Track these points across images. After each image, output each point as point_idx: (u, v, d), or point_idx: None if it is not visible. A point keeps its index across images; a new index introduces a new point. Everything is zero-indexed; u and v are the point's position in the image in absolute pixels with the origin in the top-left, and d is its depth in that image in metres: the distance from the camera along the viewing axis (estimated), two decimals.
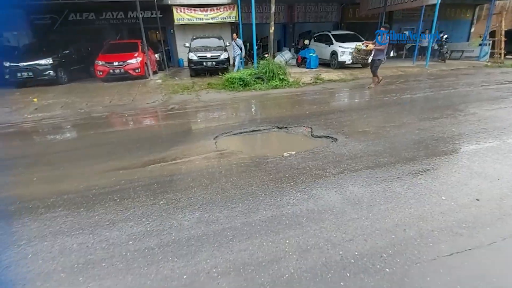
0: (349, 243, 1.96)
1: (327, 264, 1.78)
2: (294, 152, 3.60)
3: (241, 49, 10.69)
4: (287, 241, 1.99)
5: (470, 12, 19.70)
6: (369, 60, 8.31)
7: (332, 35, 12.15)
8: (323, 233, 2.06)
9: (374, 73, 8.05)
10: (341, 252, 1.87)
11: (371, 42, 8.19)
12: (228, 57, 10.91)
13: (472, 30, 20.28)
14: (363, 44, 8.28)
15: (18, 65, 8.84)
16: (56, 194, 2.83)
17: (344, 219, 2.22)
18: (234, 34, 11.15)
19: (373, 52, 7.95)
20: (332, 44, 11.80)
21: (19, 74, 8.86)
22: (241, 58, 10.88)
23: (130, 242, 2.05)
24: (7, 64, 8.75)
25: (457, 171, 2.97)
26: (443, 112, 5.25)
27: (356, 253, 1.86)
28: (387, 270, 1.73)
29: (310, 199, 2.51)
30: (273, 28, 9.46)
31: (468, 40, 19.64)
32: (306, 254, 1.86)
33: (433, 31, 12.13)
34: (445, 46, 14.13)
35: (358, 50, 8.51)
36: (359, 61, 8.72)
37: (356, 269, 1.73)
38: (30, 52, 9.58)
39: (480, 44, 14.69)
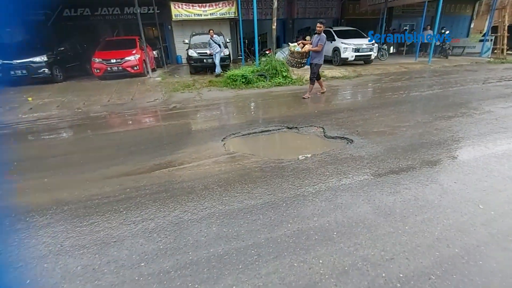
0: (390, 262, 1.74)
1: None
2: (309, 155, 3.38)
3: (219, 46, 9.51)
4: (320, 261, 1.77)
5: (470, 7, 19.56)
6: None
7: (334, 31, 11.91)
8: (359, 251, 1.85)
9: (312, 80, 6.57)
10: (383, 274, 1.66)
11: (308, 42, 6.70)
12: (229, 54, 10.62)
13: (472, 25, 20.17)
14: (298, 44, 6.66)
15: (11, 63, 8.46)
16: (55, 205, 2.57)
17: (379, 233, 2.01)
18: (211, 31, 9.54)
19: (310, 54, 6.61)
20: (334, 40, 11.55)
21: (12, 72, 8.48)
22: (220, 57, 9.68)
23: (142, 264, 1.82)
24: None
25: (488, 175, 2.77)
26: (457, 111, 5.06)
27: (401, 275, 1.65)
28: None
29: (337, 210, 2.29)
30: (275, 24, 9.17)
31: (467, 36, 19.53)
32: (345, 277, 1.65)
33: (436, 28, 11.91)
34: (447, 42, 13.96)
35: (291, 53, 6.81)
36: (294, 66, 7.01)
37: None
38: (24, 49, 9.17)
39: (482, 40, 14.57)
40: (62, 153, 4.04)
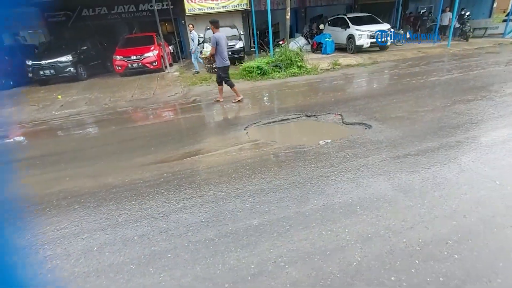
0: (410, 230, 1.94)
1: (392, 252, 1.77)
2: (329, 140, 3.56)
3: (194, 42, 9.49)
4: (346, 230, 1.99)
5: None
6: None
7: (348, 18, 11.76)
8: (381, 221, 2.05)
9: (227, 82, 6.05)
10: (404, 240, 1.86)
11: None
12: (244, 46, 10.75)
13: (495, 5, 19.16)
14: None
15: (40, 63, 9.02)
16: (103, 188, 2.91)
17: (399, 207, 2.20)
18: (190, 25, 9.66)
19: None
20: (349, 27, 11.43)
21: (41, 72, 9.05)
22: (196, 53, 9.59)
23: (189, 234, 2.10)
24: (29, 62, 8.94)
25: (506, 154, 2.87)
26: (477, 94, 5.04)
27: (420, 240, 1.84)
28: (456, 256, 1.71)
29: (359, 187, 2.49)
30: (289, 13, 9.21)
31: (490, 16, 18.62)
32: (369, 242, 1.86)
33: (455, 9, 11.51)
34: (468, 24, 13.44)
35: (203, 60, 6.67)
36: (210, 72, 6.73)
37: (424, 257, 1.72)
38: (50, 50, 9.73)
39: (505, 20, 13.94)
40: (99, 145, 4.41)
